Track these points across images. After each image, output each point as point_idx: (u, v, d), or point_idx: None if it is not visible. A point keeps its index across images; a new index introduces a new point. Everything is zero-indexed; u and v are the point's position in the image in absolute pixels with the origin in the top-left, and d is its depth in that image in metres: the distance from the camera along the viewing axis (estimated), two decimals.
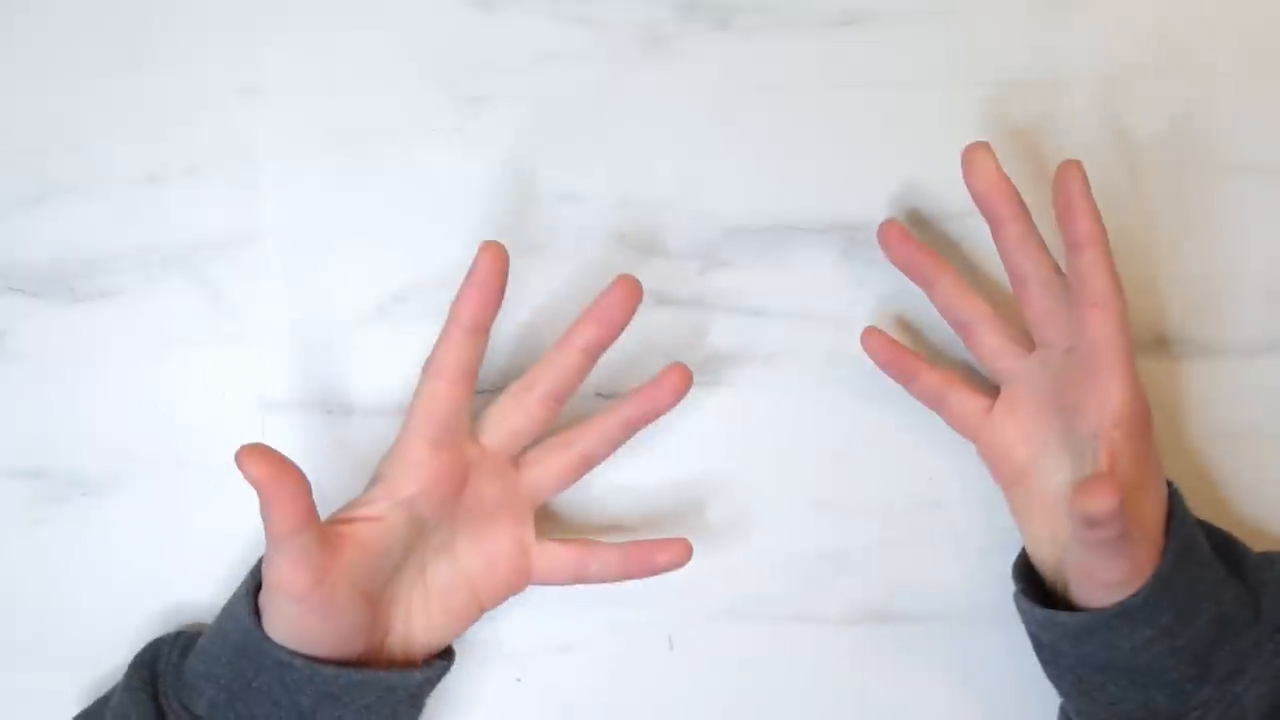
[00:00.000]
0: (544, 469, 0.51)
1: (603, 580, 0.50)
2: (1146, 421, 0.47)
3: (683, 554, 0.50)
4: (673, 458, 0.54)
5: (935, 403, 0.52)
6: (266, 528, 0.44)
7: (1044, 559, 0.50)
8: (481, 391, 0.53)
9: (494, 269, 0.47)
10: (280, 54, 0.55)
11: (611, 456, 0.51)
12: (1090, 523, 0.42)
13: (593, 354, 0.50)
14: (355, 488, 0.49)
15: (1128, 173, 0.55)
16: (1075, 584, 0.47)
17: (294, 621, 0.45)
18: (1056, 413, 0.49)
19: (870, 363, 0.53)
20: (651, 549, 0.50)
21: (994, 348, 0.51)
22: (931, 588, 0.54)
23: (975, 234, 0.53)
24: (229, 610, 0.47)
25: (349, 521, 0.47)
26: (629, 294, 0.49)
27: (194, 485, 0.54)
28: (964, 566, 0.54)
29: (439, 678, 0.49)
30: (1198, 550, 0.47)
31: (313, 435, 0.54)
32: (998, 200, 0.49)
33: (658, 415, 0.51)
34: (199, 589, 0.53)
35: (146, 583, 0.53)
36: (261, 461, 0.43)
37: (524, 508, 0.51)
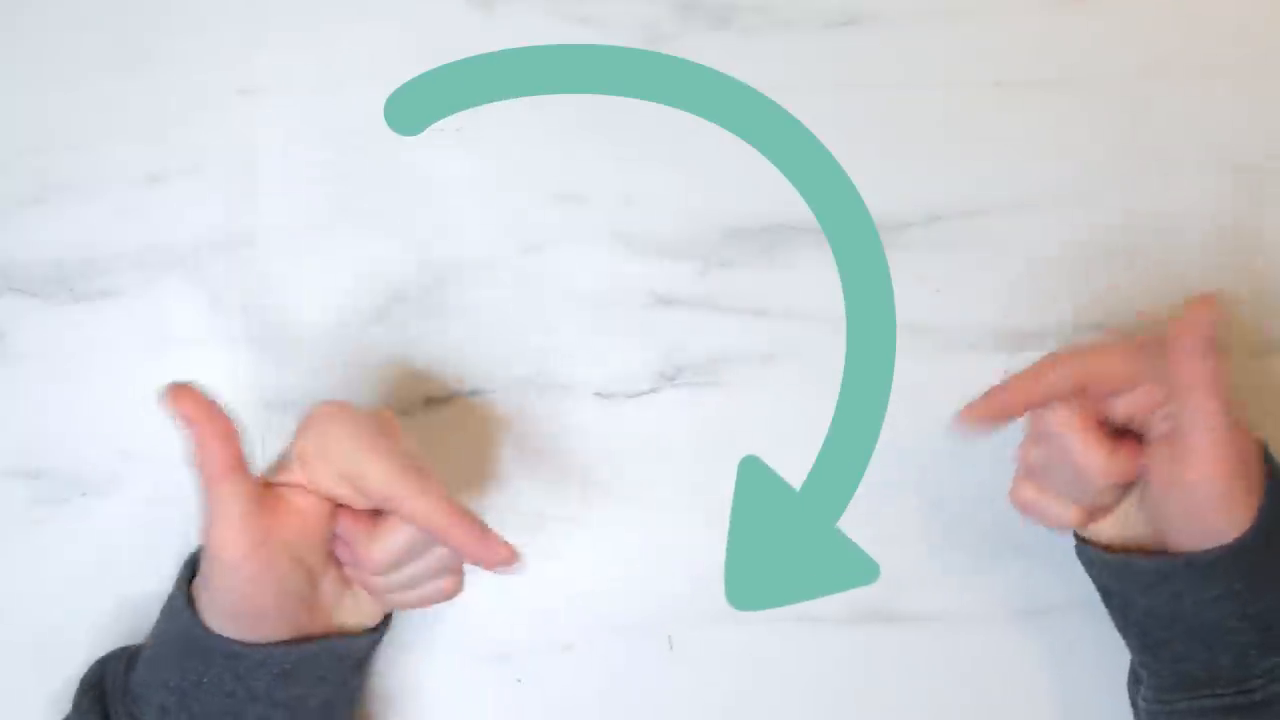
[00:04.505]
0: None
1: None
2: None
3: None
4: (672, 457, 0.54)
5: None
6: (200, 472, 0.43)
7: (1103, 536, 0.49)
8: (473, 393, 0.53)
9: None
10: (280, 54, 0.55)
11: (609, 462, 0.51)
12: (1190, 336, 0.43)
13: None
14: None
15: (1127, 174, 0.55)
16: (1171, 534, 0.46)
17: (235, 594, 0.44)
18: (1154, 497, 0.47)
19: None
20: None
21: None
22: (931, 588, 0.54)
23: (974, 235, 0.53)
24: (166, 611, 0.47)
25: (282, 485, 0.45)
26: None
27: (194, 485, 0.54)
28: (964, 566, 0.54)
29: (380, 640, 0.49)
30: None
31: None
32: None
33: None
34: None
35: (146, 582, 0.53)
36: (191, 400, 0.42)
37: None
